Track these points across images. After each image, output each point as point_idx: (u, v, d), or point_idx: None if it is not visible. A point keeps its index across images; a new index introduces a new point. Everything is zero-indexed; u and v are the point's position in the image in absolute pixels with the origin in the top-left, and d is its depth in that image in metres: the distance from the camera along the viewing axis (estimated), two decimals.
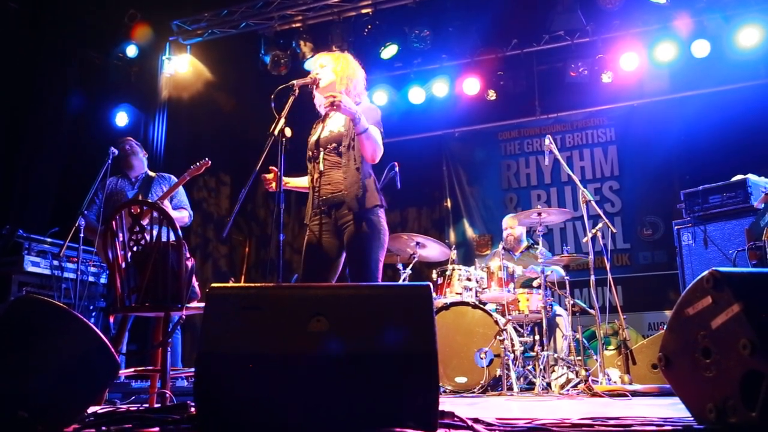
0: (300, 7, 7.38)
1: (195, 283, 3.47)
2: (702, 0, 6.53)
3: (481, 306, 5.16)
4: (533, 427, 2.03)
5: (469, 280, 5.43)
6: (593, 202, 4.95)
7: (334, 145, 3.46)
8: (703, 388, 1.83)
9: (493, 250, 6.89)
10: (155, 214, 3.35)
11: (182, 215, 4.99)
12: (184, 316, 3.25)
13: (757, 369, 1.64)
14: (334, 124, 3.55)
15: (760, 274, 1.86)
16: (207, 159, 4.56)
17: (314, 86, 3.48)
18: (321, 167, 3.44)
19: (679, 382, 1.99)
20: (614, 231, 5.19)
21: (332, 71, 3.54)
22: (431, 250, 5.74)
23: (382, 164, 4.86)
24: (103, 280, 5.46)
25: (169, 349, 3.14)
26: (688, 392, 1.95)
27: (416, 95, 7.88)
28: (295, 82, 3.35)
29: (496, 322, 5.00)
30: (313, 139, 3.58)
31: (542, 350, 4.95)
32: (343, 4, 7.29)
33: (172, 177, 5.24)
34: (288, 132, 3.18)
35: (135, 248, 3.30)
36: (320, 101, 3.53)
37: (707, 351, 1.83)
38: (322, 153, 3.47)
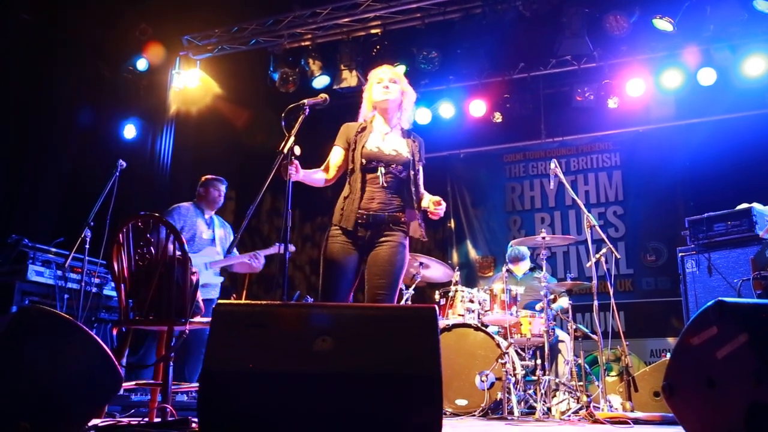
0: (309, 25, 7.44)
1: (199, 297, 3.47)
2: (708, 29, 6.55)
3: (484, 328, 5.15)
4: None
5: (471, 302, 5.42)
6: (597, 227, 4.95)
7: (400, 167, 3.40)
8: (707, 419, 1.83)
9: (496, 272, 6.88)
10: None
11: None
12: (186, 331, 3.24)
13: (763, 400, 1.64)
14: (397, 144, 3.47)
15: (766, 306, 1.86)
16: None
17: (325, 103, 3.45)
18: (379, 182, 3.34)
19: (683, 411, 1.98)
20: (618, 256, 5.18)
21: (401, 91, 3.56)
22: (434, 270, 5.73)
23: None
24: (106, 292, 5.46)
25: (172, 363, 3.14)
26: (692, 422, 1.94)
27: (422, 116, 7.90)
28: (306, 101, 3.35)
29: (498, 345, 4.98)
30: (371, 148, 3.41)
31: (544, 375, 4.93)
32: (352, 24, 7.35)
33: (227, 224, 5.57)
34: (297, 150, 3.19)
35: (141, 262, 3.31)
36: (379, 121, 3.55)
37: (712, 381, 1.82)
38: (382, 169, 3.36)
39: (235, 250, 5.39)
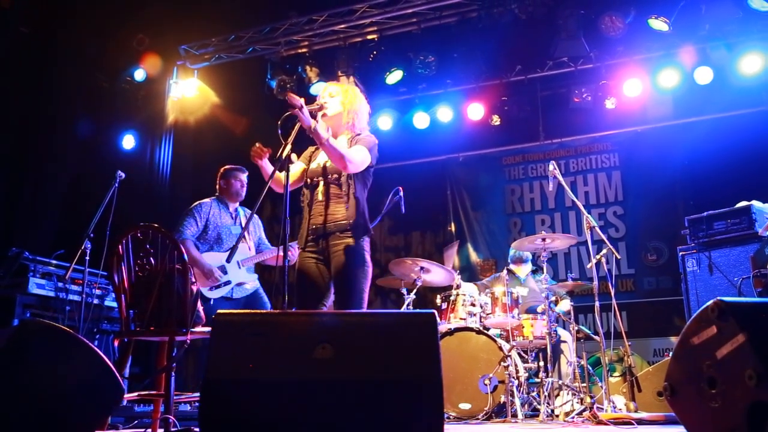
0: (306, 32, 7.46)
1: (200, 307, 3.47)
2: (704, 28, 6.57)
3: (485, 332, 5.14)
4: None
5: (473, 305, 5.41)
6: (597, 228, 4.95)
7: (336, 176, 3.48)
8: (709, 419, 1.82)
9: (495, 274, 6.88)
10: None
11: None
12: (188, 341, 3.24)
13: (763, 400, 1.64)
14: None
15: (766, 305, 1.86)
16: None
17: (320, 112, 3.49)
18: (320, 197, 3.47)
19: (685, 411, 1.98)
20: (618, 257, 5.18)
21: (340, 103, 3.60)
22: (435, 274, 5.72)
23: (386, 189, 4.91)
24: (107, 303, 5.47)
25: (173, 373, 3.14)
26: (693, 422, 1.94)
27: (421, 120, 7.91)
28: None
29: (501, 348, 4.98)
30: (312, 166, 3.58)
31: (547, 376, 4.92)
32: (348, 30, 7.37)
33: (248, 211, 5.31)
34: (294, 158, 3.21)
35: (141, 273, 3.31)
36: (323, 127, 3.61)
37: (713, 381, 1.82)
38: (322, 182, 3.49)
39: (267, 242, 5.33)
